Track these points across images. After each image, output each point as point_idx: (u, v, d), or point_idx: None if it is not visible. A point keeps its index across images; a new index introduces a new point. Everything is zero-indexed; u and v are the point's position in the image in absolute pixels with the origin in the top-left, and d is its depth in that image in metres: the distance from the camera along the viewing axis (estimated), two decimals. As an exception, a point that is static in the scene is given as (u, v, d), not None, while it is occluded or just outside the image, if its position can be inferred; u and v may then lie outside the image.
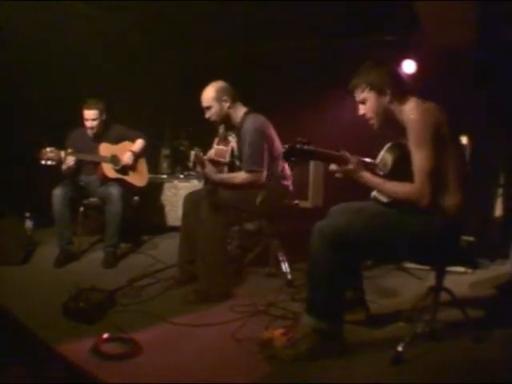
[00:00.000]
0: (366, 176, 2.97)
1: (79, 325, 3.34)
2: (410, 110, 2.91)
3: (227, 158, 4.31)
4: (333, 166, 3.03)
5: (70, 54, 5.84)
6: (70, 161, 4.87)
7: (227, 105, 4.24)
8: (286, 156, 2.88)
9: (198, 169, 4.23)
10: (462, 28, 5.26)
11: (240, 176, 4.16)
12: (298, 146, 2.83)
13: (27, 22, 5.21)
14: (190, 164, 4.26)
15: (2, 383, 2.20)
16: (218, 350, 3.06)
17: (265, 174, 4.15)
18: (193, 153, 4.21)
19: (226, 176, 4.26)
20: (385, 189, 2.96)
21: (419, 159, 2.81)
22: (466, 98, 5.36)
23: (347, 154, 2.99)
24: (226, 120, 4.31)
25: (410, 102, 2.96)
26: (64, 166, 4.90)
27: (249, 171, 4.12)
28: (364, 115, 3.12)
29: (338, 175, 3.05)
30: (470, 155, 4.74)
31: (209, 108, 4.23)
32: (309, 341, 2.89)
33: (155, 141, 6.28)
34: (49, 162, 4.75)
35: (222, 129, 4.48)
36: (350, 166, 2.96)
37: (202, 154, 4.22)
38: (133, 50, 6.58)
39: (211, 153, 4.39)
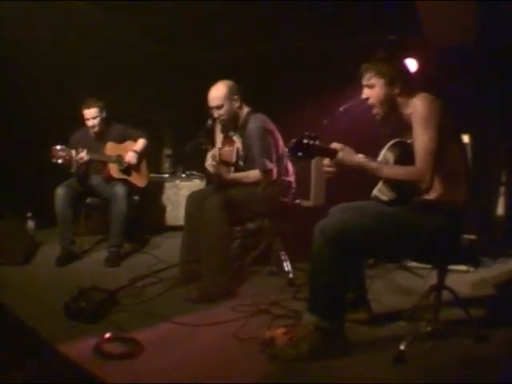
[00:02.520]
0: (361, 160, 2.88)
1: (81, 324, 3.33)
2: (418, 99, 2.89)
3: (234, 159, 4.31)
4: (326, 163, 2.93)
5: (69, 54, 5.84)
6: (83, 158, 4.85)
7: (237, 104, 4.24)
8: (293, 151, 2.80)
9: (213, 169, 4.21)
10: (463, 28, 5.26)
11: (254, 175, 4.20)
12: (306, 140, 2.78)
13: (27, 22, 5.20)
14: (213, 163, 4.18)
15: (4, 383, 2.21)
16: (220, 349, 3.06)
17: (275, 170, 4.19)
18: (215, 153, 4.22)
19: (239, 175, 4.27)
20: (383, 172, 2.88)
21: (423, 140, 2.79)
22: (468, 97, 5.35)
23: (334, 143, 2.92)
24: (234, 120, 4.30)
25: (417, 95, 2.95)
26: (74, 165, 4.88)
27: (263, 170, 4.16)
28: (367, 100, 3.11)
29: (330, 170, 2.94)
30: (472, 154, 4.72)
31: (219, 107, 4.19)
32: (310, 340, 2.88)
33: (156, 140, 6.27)
34: (59, 161, 4.71)
35: (218, 128, 4.47)
36: (340, 154, 2.86)
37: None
38: (133, 49, 6.57)
39: (216, 153, 4.38)
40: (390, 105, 3.06)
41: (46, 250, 5.20)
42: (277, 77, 6.78)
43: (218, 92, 4.19)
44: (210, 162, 4.20)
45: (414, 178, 2.80)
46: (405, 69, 3.14)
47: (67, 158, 4.75)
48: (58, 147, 4.73)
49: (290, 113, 6.19)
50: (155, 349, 3.01)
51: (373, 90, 3.07)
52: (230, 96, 4.19)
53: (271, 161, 4.19)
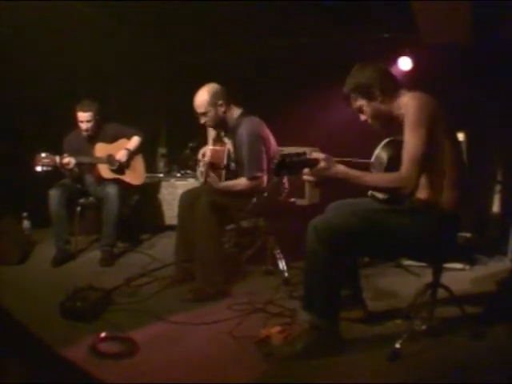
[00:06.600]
0: (343, 170, 2.80)
1: (77, 324, 3.34)
2: (409, 99, 2.88)
3: (225, 161, 4.29)
4: (306, 171, 2.81)
5: (69, 54, 5.83)
6: (70, 164, 4.85)
7: (222, 109, 4.19)
8: (277, 171, 2.76)
9: (202, 179, 4.25)
10: (459, 27, 5.26)
11: (242, 183, 4.17)
12: (288, 159, 2.72)
13: (26, 23, 5.18)
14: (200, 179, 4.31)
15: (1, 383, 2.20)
16: (215, 348, 3.06)
17: (266, 178, 4.16)
18: (200, 170, 4.31)
19: (229, 184, 4.22)
20: (365, 180, 2.82)
21: (411, 144, 2.76)
22: (463, 95, 5.36)
23: (316, 153, 2.84)
24: (222, 124, 4.27)
25: (403, 94, 2.95)
26: (63, 171, 4.90)
27: (251, 178, 4.13)
28: (366, 122, 3.09)
29: (308, 178, 2.83)
30: (468, 152, 4.73)
31: (204, 114, 4.16)
32: (306, 338, 2.89)
33: (151, 139, 6.26)
34: (44, 168, 4.73)
35: (212, 130, 4.46)
36: (322, 164, 2.77)
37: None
38: (130, 48, 6.57)
39: (206, 153, 4.37)
40: (384, 115, 3.03)
41: (42, 250, 5.20)
42: (275, 76, 6.78)
43: (201, 99, 4.15)
44: (200, 170, 4.25)
45: (396, 185, 2.75)
46: (380, 72, 3.05)
47: (51, 164, 4.75)
48: (43, 154, 4.74)
49: (285, 113, 6.21)
50: (150, 348, 3.01)
51: (363, 111, 3.06)
52: (213, 102, 4.14)
53: (261, 168, 4.14)
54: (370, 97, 3.00)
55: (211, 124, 4.25)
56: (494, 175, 5.39)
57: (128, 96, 6.65)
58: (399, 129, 2.96)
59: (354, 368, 2.80)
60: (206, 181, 4.29)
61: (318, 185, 2.90)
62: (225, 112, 4.20)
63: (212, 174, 4.22)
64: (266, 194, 4.21)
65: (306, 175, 2.82)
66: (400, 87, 3.01)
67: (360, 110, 3.07)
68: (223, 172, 4.28)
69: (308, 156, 2.79)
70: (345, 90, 3.07)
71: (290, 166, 2.74)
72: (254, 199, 4.14)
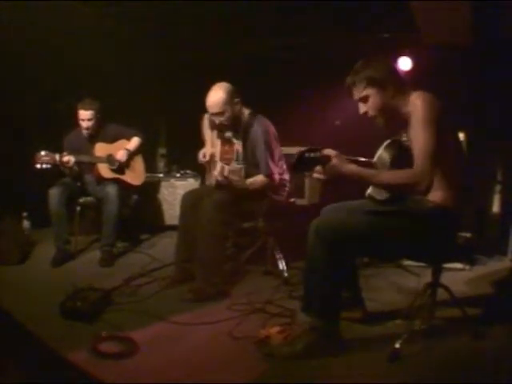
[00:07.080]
0: (354, 169, 2.80)
1: (77, 324, 3.34)
2: (416, 98, 2.84)
3: (234, 162, 4.26)
4: (317, 169, 2.83)
5: (69, 54, 5.83)
6: (70, 163, 4.86)
7: (238, 107, 4.13)
8: (298, 168, 2.79)
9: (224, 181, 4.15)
10: (459, 27, 5.26)
11: (261, 180, 4.18)
12: (307, 154, 2.73)
13: (26, 23, 5.18)
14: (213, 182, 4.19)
15: (1, 383, 2.20)
16: (215, 348, 3.06)
17: (277, 176, 4.21)
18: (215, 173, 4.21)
19: (248, 181, 4.18)
20: (379, 178, 2.82)
21: (423, 141, 2.71)
22: (463, 95, 5.36)
23: (328, 150, 2.83)
24: (236, 123, 4.19)
25: (412, 93, 2.91)
26: (62, 169, 4.91)
27: (269, 175, 4.16)
28: (366, 114, 3.01)
29: (319, 176, 2.85)
30: (468, 152, 4.72)
31: (221, 113, 4.04)
32: (305, 339, 2.88)
33: (151, 140, 6.25)
34: (44, 166, 4.74)
35: (206, 125, 4.40)
36: (334, 161, 2.78)
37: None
38: (131, 48, 6.56)
39: (207, 154, 4.35)
40: (390, 110, 2.96)
41: (42, 250, 5.19)
42: (275, 76, 6.78)
43: (217, 98, 4.02)
44: (218, 174, 4.15)
45: (412, 180, 2.71)
46: (392, 67, 3.05)
47: (51, 162, 4.76)
48: (43, 152, 4.75)
49: (286, 112, 6.19)
50: (150, 348, 3.01)
51: (368, 101, 2.97)
52: (230, 101, 4.04)
53: (276, 164, 4.21)
54: (382, 87, 2.93)
55: (227, 123, 4.13)
56: (494, 175, 5.38)
57: (128, 96, 6.64)
58: (402, 127, 2.95)
59: (354, 368, 2.80)
60: (218, 183, 4.14)
61: (328, 183, 2.90)
62: (240, 111, 4.16)
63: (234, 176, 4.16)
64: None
65: (317, 173, 2.83)
66: (409, 86, 2.99)
67: (364, 100, 2.98)
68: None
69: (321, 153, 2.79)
70: (353, 78, 2.98)
71: (306, 163, 2.75)
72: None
